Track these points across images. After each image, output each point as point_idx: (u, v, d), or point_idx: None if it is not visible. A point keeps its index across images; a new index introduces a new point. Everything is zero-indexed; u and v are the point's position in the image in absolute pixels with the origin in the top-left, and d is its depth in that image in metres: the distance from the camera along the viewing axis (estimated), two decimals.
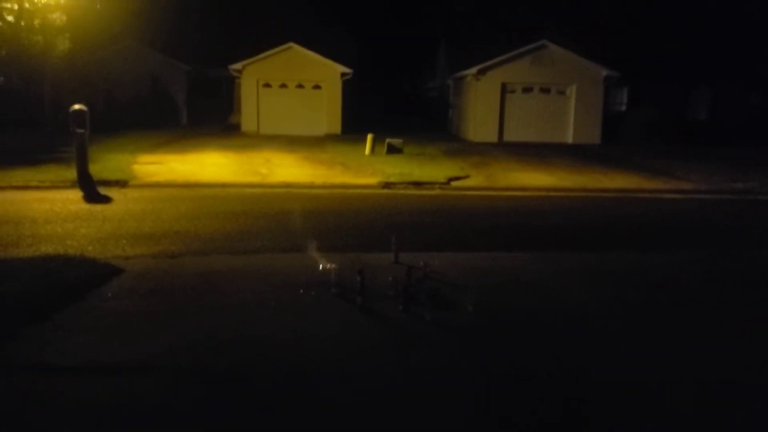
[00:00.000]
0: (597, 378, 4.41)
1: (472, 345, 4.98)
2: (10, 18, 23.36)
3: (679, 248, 8.39)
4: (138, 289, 6.02)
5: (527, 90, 23.86)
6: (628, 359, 4.73)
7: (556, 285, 6.50)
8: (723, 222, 10.83)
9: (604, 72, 23.29)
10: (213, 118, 27.91)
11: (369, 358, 4.67)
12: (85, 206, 10.58)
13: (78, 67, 25.03)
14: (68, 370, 4.35)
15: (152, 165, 15.20)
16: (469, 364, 4.63)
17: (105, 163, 14.50)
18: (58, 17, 24.25)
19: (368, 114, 29.04)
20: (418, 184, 13.45)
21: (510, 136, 23.69)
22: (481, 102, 23.73)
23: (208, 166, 15.47)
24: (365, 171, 14.90)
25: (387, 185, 13.30)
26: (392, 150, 18.41)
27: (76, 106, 12.40)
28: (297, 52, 25.06)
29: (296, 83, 25.45)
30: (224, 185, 13.08)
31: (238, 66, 24.99)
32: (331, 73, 25.10)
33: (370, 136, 18.52)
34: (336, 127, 25.18)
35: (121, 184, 12.74)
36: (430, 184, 13.50)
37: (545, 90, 23.86)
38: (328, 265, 6.30)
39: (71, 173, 12.60)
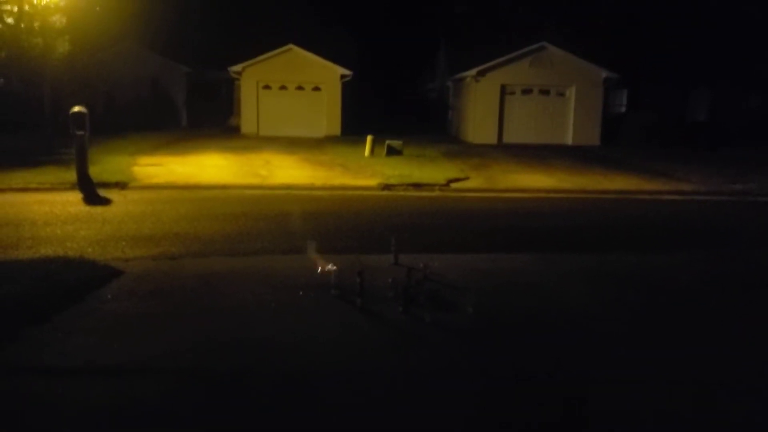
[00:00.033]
0: (597, 378, 4.41)
1: (471, 346, 4.98)
2: (9, 20, 23.35)
3: (679, 249, 8.40)
4: (138, 291, 6.02)
5: (527, 91, 23.88)
6: (628, 360, 4.73)
7: (555, 286, 6.50)
8: (722, 223, 10.83)
9: (604, 74, 23.31)
10: (213, 120, 27.95)
11: (369, 359, 4.67)
12: (85, 208, 10.58)
13: (78, 70, 25.03)
14: (68, 372, 4.35)
15: (152, 167, 15.21)
16: (468, 365, 4.63)
17: (105, 165, 14.50)
18: (57, 19, 24.23)
19: (368, 115, 29.04)
20: (417, 186, 13.46)
21: (509, 138, 23.70)
22: (480, 103, 23.74)
23: (208, 167, 15.47)
24: (365, 172, 14.90)
25: (387, 187, 13.30)
26: (392, 151, 18.41)
27: (76, 108, 12.40)
28: (297, 53, 25.09)
29: (296, 85, 25.47)
30: (224, 187, 13.08)
31: (237, 68, 25.01)
32: (331, 74, 25.12)
33: (369, 138, 18.53)
34: (336, 129, 25.20)
35: (121, 186, 12.74)
36: (429, 186, 13.50)
37: (545, 91, 23.87)
38: (328, 267, 6.30)
39: (71, 175, 12.60)
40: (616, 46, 25.41)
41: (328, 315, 5.51)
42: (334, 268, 6.16)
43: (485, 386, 4.28)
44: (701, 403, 4.12)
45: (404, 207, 11.37)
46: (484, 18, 31.16)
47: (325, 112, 25.37)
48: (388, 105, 35.98)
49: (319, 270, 6.52)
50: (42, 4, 21.54)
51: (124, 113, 26.38)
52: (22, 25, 22.99)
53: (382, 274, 6.28)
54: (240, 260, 7.35)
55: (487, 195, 12.98)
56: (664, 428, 3.83)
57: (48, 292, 5.80)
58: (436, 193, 13.08)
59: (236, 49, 25.57)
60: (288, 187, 13.20)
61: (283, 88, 25.46)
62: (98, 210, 10.41)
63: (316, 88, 25.46)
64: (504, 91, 23.69)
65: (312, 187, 13.21)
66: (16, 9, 22.92)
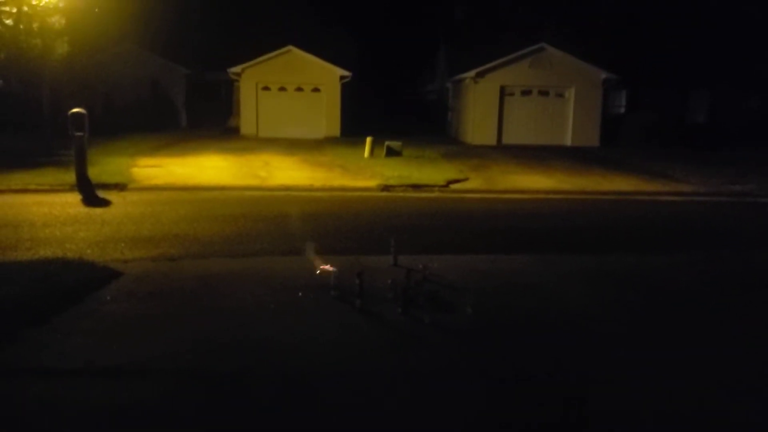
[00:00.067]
0: (597, 379, 4.41)
1: (471, 347, 4.97)
2: (8, 21, 23.34)
3: (679, 250, 8.39)
4: (137, 292, 6.02)
5: (526, 93, 23.90)
6: (628, 360, 4.73)
7: (555, 287, 6.50)
8: (722, 224, 10.83)
9: (603, 75, 23.33)
10: (212, 121, 27.95)
11: (368, 360, 4.66)
12: (84, 209, 10.57)
13: (77, 71, 25.05)
14: (67, 373, 4.35)
15: (151, 168, 15.20)
16: (468, 366, 4.63)
17: (104, 166, 14.49)
18: (56, 20, 24.22)
19: (367, 116, 29.06)
20: (417, 187, 13.46)
21: (509, 139, 23.72)
22: (479, 104, 23.75)
23: (208, 169, 15.47)
24: (364, 174, 14.90)
25: (386, 188, 13.30)
26: (391, 153, 18.42)
27: (75, 110, 12.40)
28: (296, 55, 25.10)
29: (295, 86, 25.49)
30: (223, 188, 13.08)
31: (237, 69, 25.02)
32: (330, 76, 25.14)
33: (369, 139, 18.52)
34: (335, 130, 25.21)
35: (120, 187, 12.73)
36: (429, 187, 13.50)
37: (544, 92, 23.89)
38: (327, 268, 6.30)
39: (70, 176, 12.59)
40: (615, 46, 25.42)
41: (327, 316, 5.50)
42: (334, 269, 6.15)
43: (485, 387, 4.28)
44: (701, 403, 4.12)
45: (404, 208, 11.36)
46: (484, 19, 31.20)
47: (324, 113, 25.38)
48: (387, 106, 35.98)
49: (318, 271, 6.52)
50: (41, 5, 21.53)
51: (124, 114, 26.37)
52: (21, 26, 22.98)
53: (381, 275, 6.27)
54: (239, 261, 7.34)
55: (487, 196, 12.98)
56: (664, 428, 3.83)
57: (47, 294, 5.79)
58: (436, 194, 13.08)
59: (236, 50, 25.59)
60: (287, 188, 13.20)
61: (282, 89, 25.47)
62: (97, 211, 10.40)
63: (316, 89, 25.48)
64: (503, 92, 23.72)
65: (311, 189, 13.21)
66: (15, 10, 22.90)
